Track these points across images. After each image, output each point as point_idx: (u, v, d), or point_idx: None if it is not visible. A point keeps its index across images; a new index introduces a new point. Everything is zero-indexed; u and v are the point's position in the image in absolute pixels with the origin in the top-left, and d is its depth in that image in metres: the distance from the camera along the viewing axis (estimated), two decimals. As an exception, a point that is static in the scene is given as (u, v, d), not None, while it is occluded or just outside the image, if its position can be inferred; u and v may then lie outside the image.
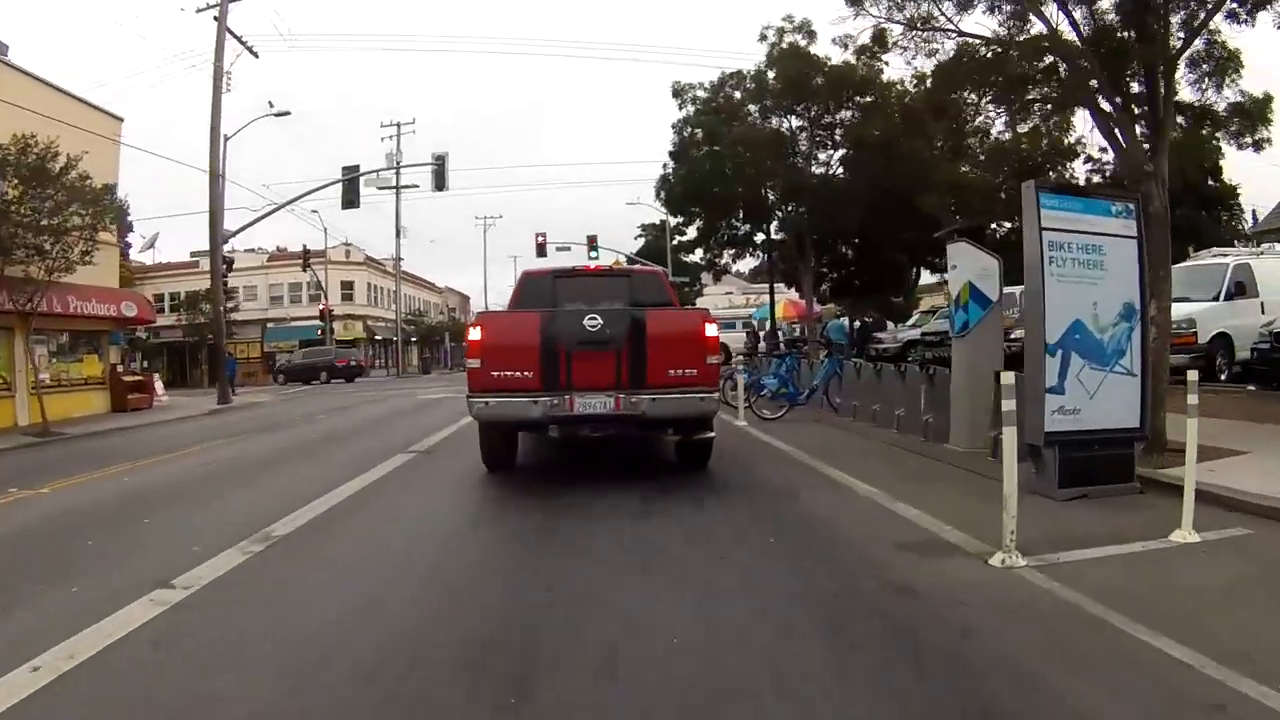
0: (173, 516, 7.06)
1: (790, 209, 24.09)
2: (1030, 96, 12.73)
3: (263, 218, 27.98)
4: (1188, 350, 11.72)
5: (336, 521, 6.58)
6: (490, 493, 7.80)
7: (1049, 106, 13.58)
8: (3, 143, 16.37)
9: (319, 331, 46.39)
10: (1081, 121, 16.83)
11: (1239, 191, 28.59)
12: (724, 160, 22.50)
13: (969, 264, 10.45)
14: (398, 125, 46.33)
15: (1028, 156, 26.48)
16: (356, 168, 28.78)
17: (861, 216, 21.99)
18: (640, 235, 60.99)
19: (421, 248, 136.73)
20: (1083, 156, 27.14)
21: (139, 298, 24.75)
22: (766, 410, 13.41)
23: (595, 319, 7.02)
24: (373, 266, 56.08)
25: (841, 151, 23.90)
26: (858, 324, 28.05)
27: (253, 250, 53.94)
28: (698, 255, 33.22)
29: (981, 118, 25.55)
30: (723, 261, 28.80)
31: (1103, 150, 28.32)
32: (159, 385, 28.92)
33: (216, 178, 25.75)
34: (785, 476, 8.29)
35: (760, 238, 26.88)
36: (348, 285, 53.60)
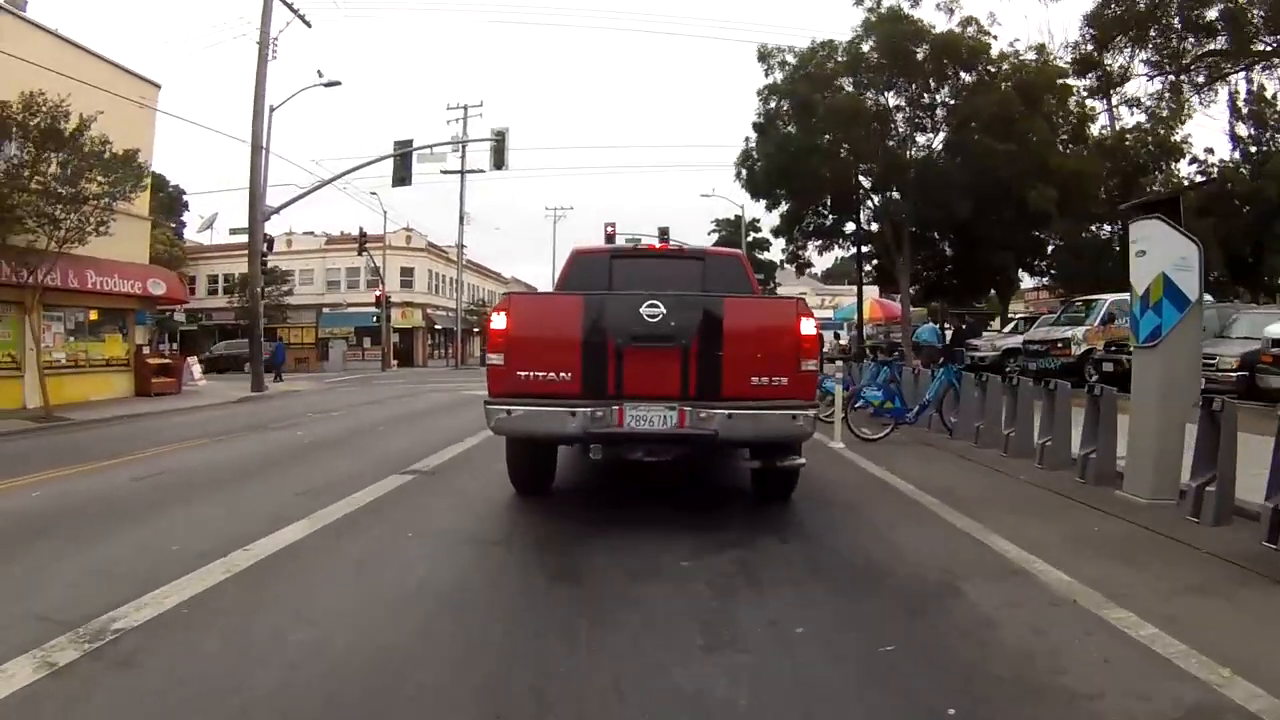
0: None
1: (886, 196, 21.23)
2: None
3: (309, 193, 26.40)
4: None
5: (222, 605, 4.21)
6: (494, 538, 5.56)
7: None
8: (5, 99, 14.75)
9: (374, 319, 45.10)
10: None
11: None
12: (815, 135, 19.73)
13: (1163, 249, 7.59)
14: (464, 108, 44.51)
15: (1134, 153, 23.26)
16: (409, 142, 26.90)
17: (969, 207, 19.11)
18: (714, 230, 58.93)
19: (487, 235, 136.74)
20: (1188, 157, 23.89)
21: (168, 275, 23.26)
22: (866, 429, 10.82)
23: (656, 306, 5.48)
24: (434, 253, 54.53)
25: (943, 135, 21.01)
26: (949, 329, 25.34)
27: (311, 233, 53.29)
28: (777, 250, 30.50)
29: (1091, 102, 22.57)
30: (806, 254, 25.96)
31: (1209, 150, 25.01)
32: (196, 369, 27.99)
33: (259, 149, 24.19)
34: (909, 535, 5.75)
35: (850, 228, 23.97)
36: (407, 272, 52.16)
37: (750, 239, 54.71)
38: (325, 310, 50.83)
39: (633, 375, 5.46)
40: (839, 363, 16.72)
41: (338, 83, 26.77)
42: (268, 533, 5.53)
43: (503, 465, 6.73)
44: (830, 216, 23.99)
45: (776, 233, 25.84)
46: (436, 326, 53.35)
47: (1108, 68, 17.36)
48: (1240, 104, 26.19)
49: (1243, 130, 25.62)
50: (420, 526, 5.87)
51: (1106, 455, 7.74)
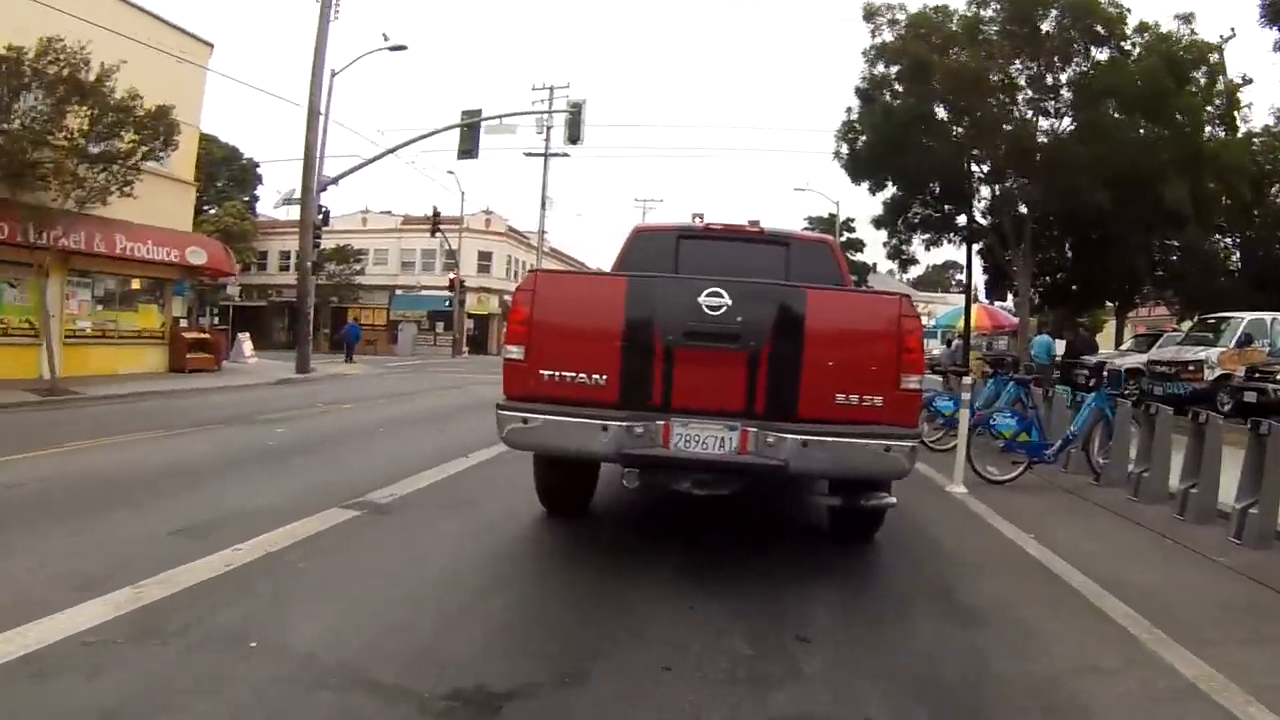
0: None
1: (1009, 183, 18.21)
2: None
3: (369, 163, 24.67)
4: None
5: None
6: (396, 672, 3.13)
7: None
8: (16, 43, 13.31)
9: (447, 303, 43.79)
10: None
11: None
12: (928, 104, 16.85)
13: None
14: (550, 88, 42.63)
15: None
16: (478, 112, 25.14)
17: (1108, 198, 16.00)
18: (807, 228, 55.66)
19: (572, 224, 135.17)
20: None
21: (211, 244, 21.99)
22: (993, 467, 8.20)
23: (720, 296, 4.38)
24: (515, 238, 52.90)
25: (1069, 119, 17.85)
26: (1060, 343, 22.18)
27: (388, 212, 52.51)
28: (876, 245, 27.27)
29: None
30: (911, 249, 22.93)
31: None
32: (247, 346, 27.17)
33: (316, 114, 22.69)
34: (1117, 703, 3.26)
35: (961, 220, 20.90)
36: (485, 256, 50.52)
37: (844, 239, 51.67)
38: (399, 292, 49.68)
39: (685, 383, 4.41)
40: (938, 378, 14.10)
41: (403, 47, 25.05)
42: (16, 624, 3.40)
43: (494, 504, 5.74)
44: (940, 208, 20.90)
45: (878, 223, 22.61)
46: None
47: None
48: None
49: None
50: (277, 635, 3.50)
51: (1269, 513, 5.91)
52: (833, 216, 51.45)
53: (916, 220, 21.94)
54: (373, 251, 50.70)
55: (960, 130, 17.54)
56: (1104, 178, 15.97)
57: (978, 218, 20.55)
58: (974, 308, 25.58)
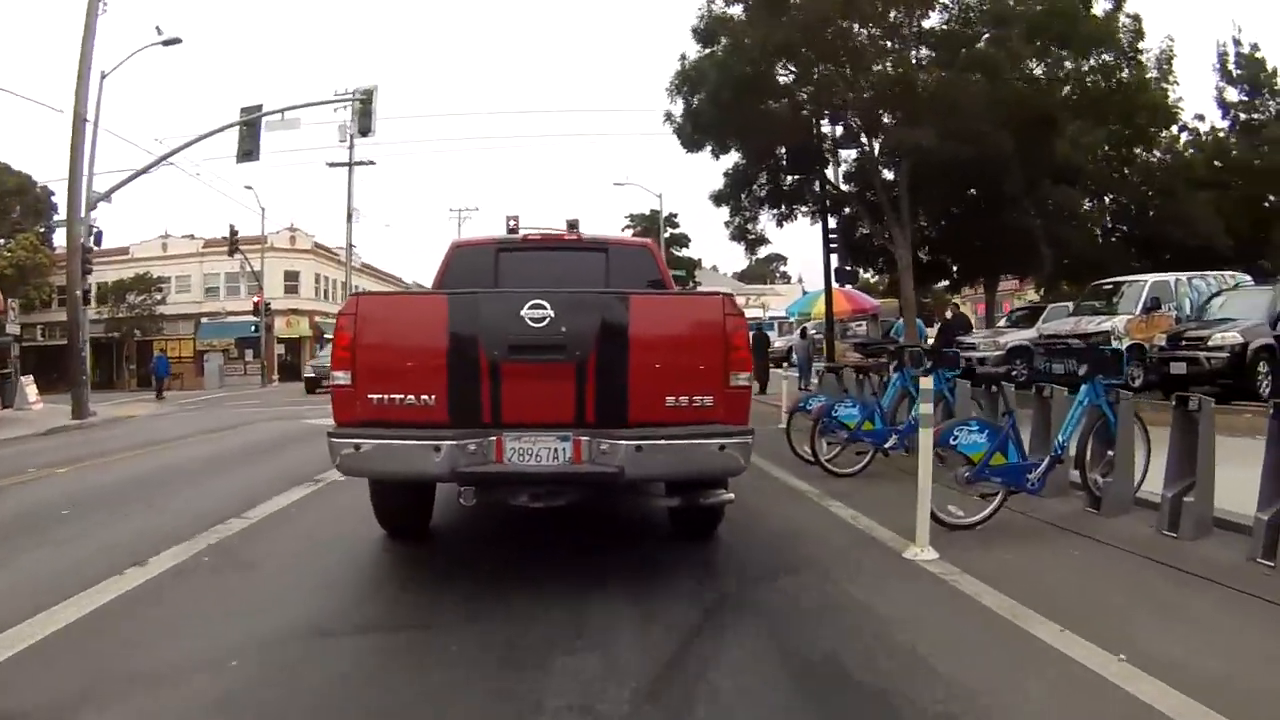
0: None
1: (885, 135, 15.66)
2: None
3: (141, 173, 21.15)
4: None
5: None
6: None
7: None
8: None
9: (253, 328, 38.86)
10: None
11: None
12: (782, 37, 13.88)
13: None
14: (353, 93, 38.66)
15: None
16: (258, 108, 21.58)
17: (1010, 142, 13.86)
18: (629, 226, 54.36)
19: (383, 236, 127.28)
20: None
21: None
22: (954, 507, 5.38)
23: (542, 307, 4.33)
24: (323, 254, 47.91)
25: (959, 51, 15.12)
26: (935, 325, 20.57)
27: (191, 236, 46.90)
28: (713, 231, 24.60)
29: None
30: (759, 227, 19.79)
31: (1199, 117, 20.66)
32: (31, 390, 23.15)
33: (83, 121, 18.80)
34: None
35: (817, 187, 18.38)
36: (292, 276, 45.43)
37: (669, 234, 50.09)
38: (204, 320, 44.43)
39: (514, 397, 4.39)
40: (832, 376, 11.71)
41: (178, 40, 21.69)
42: None
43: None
44: (792, 176, 18.02)
45: (719, 199, 19.19)
46: (326, 336, 46.61)
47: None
48: (1230, 66, 23.53)
49: (1232, 95, 23.58)
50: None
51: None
52: (655, 213, 49.69)
53: (764, 193, 19.04)
54: (175, 279, 45.56)
55: (823, 70, 14.72)
56: (1000, 120, 13.85)
57: (841, 184, 18.23)
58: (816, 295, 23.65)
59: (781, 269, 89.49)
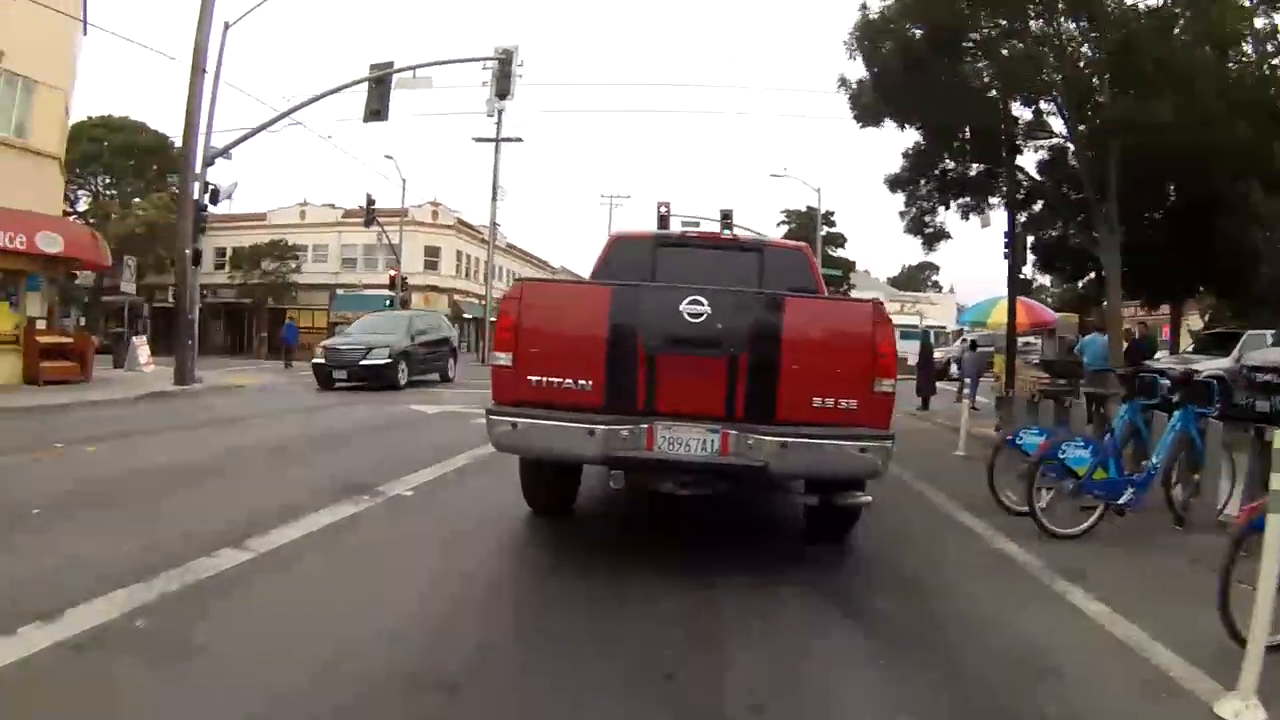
0: None
1: (1097, 110, 13.48)
2: None
3: (261, 129, 19.99)
4: None
5: None
6: None
7: None
8: None
9: (388, 302, 39.31)
10: None
11: None
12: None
13: None
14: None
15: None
16: (390, 64, 20.39)
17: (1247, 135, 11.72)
18: (784, 221, 52.31)
19: (530, 218, 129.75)
20: None
21: (72, 228, 18.26)
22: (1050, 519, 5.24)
23: (700, 304, 4.67)
24: (465, 231, 48.25)
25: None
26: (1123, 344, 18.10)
27: (331, 205, 48.00)
28: (882, 225, 21.91)
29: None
30: (939, 220, 17.23)
31: None
32: (143, 352, 23.03)
33: (200, 72, 18.19)
34: None
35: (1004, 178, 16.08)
36: (432, 251, 45.89)
37: (824, 232, 48.02)
38: (339, 291, 45.16)
39: (668, 388, 4.70)
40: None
41: None
42: None
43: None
44: (981, 160, 15.70)
45: (895, 184, 16.74)
46: (465, 315, 46.66)
47: None
48: None
49: None
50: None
51: None
52: (811, 209, 47.62)
53: (952, 179, 16.39)
54: (312, 248, 46.42)
55: (1041, 25, 12.42)
56: (1233, 105, 11.28)
57: (1033, 173, 15.93)
58: (1003, 303, 21.51)
59: (933, 278, 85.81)
